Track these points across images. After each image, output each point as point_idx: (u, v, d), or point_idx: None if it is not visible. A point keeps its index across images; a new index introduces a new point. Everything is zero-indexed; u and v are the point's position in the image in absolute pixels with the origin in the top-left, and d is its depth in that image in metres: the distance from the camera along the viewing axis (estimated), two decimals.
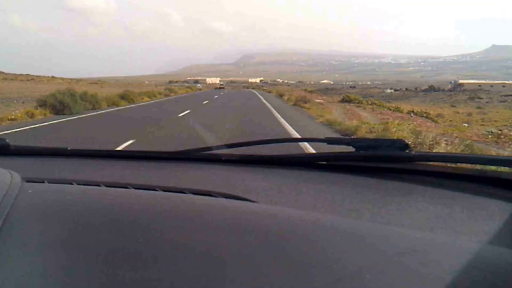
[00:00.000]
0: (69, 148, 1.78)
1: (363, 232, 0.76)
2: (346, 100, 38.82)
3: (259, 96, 46.89)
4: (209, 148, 1.66)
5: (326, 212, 1.00)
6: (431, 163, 1.38)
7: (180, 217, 0.81)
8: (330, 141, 1.52)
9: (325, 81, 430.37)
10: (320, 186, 1.20)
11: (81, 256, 0.64)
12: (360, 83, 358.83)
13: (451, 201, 1.06)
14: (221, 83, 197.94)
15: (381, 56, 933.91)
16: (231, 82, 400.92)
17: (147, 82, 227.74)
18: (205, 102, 30.64)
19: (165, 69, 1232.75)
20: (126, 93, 31.85)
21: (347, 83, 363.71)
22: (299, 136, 10.94)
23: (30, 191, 0.88)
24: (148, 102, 31.82)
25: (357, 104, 35.20)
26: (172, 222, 0.77)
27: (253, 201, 1.03)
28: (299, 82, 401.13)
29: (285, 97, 40.17)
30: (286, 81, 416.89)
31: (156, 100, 35.44)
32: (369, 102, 38.80)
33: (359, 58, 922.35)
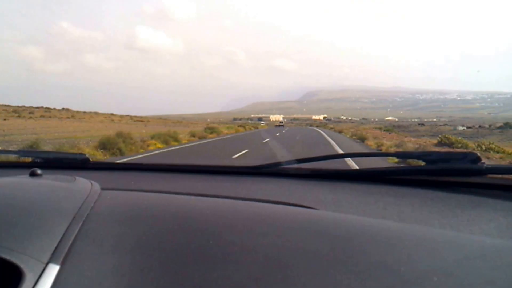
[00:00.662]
0: (143, 163, 1.87)
1: (432, 237, 0.76)
2: (445, 143, 25.63)
3: (329, 139, 30.81)
4: (280, 164, 1.68)
5: (394, 221, 0.97)
6: (503, 176, 1.34)
7: (246, 222, 0.83)
8: (400, 155, 1.59)
9: (389, 118, 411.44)
10: (388, 199, 1.19)
11: (152, 257, 0.67)
12: (426, 120, 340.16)
13: None
14: (281, 121, 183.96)
15: (446, 93, 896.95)
16: (294, 119, 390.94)
17: (208, 120, 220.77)
18: (238, 155, 17.75)
19: (231, 106, 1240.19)
20: (124, 137, 20.75)
21: (413, 120, 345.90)
22: None
23: (108, 197, 0.93)
24: (154, 152, 20.64)
25: (466, 150, 20.68)
26: (239, 227, 0.79)
27: (318, 209, 1.02)
28: (363, 119, 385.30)
29: (370, 142, 25.72)
30: (350, 118, 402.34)
31: (174, 148, 24.09)
32: (483, 147, 24.15)
33: (424, 94, 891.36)
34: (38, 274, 0.59)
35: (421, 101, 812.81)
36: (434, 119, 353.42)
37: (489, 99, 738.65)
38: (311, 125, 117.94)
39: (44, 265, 0.61)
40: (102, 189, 1.00)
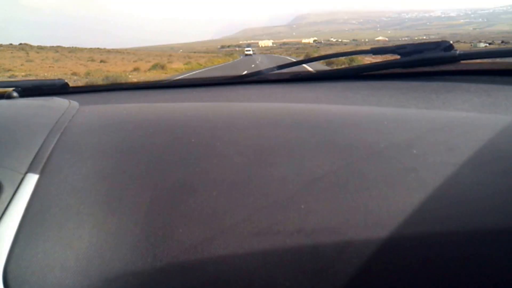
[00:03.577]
0: (124, 83, 1.77)
1: (408, 116, 0.77)
2: None
3: None
4: (261, 72, 1.62)
5: (372, 106, 0.97)
6: (475, 61, 1.33)
7: (228, 119, 0.81)
8: (375, 51, 1.47)
9: (379, 38, 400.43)
10: (366, 91, 1.16)
11: (134, 159, 0.65)
12: (416, 38, 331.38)
13: (496, 92, 1.02)
14: (251, 49, 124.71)
15: (431, 11, 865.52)
16: (284, 44, 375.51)
17: (181, 51, 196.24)
18: None
19: (222, 34, 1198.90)
20: None
21: (403, 38, 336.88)
22: None
23: (87, 111, 0.89)
24: None
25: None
26: (220, 123, 0.77)
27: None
28: (354, 40, 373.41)
29: None
30: (340, 40, 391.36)
31: None
32: None
33: (409, 13, 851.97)
34: (17, 184, 0.58)
35: (407, 20, 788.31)
36: (424, 37, 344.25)
37: (472, 15, 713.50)
38: (305, 52, 75.03)
39: (22, 175, 0.59)
40: (81, 105, 0.95)
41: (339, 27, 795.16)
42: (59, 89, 1.70)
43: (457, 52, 1.24)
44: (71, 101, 0.96)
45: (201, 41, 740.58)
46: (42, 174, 0.61)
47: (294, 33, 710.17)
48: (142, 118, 0.86)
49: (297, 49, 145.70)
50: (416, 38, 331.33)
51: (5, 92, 1.41)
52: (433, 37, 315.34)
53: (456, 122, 0.71)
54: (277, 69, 1.64)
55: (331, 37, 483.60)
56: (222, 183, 0.59)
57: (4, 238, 0.52)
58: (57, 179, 0.61)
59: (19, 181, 0.58)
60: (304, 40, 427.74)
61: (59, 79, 1.72)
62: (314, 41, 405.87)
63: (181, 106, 1.01)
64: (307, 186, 0.57)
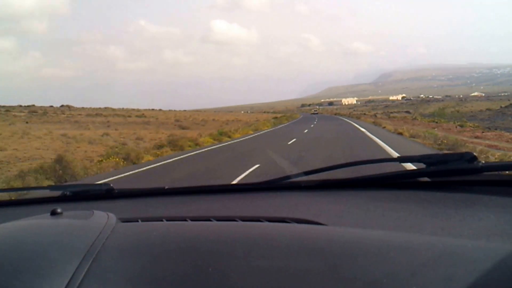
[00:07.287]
0: (165, 187, 1.90)
1: (414, 246, 0.77)
2: None
3: None
4: (288, 177, 1.67)
5: (390, 229, 0.98)
6: (498, 172, 1.36)
7: (253, 245, 0.82)
8: (401, 160, 1.52)
9: (475, 93, 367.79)
10: (388, 204, 1.19)
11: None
12: None
13: None
14: (315, 108, 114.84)
15: None
16: (369, 101, 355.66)
17: (242, 112, 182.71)
18: None
19: (307, 92, 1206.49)
20: None
21: (501, 94, 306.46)
22: None
23: (120, 231, 0.93)
24: None
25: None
26: (240, 251, 0.79)
27: (323, 224, 1.02)
28: (447, 96, 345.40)
29: None
30: (431, 96, 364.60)
31: None
32: None
33: (502, 68, 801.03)
34: None
35: (500, 75, 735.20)
36: None
37: None
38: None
39: None
40: (119, 219, 1.02)
41: (427, 83, 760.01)
42: (105, 193, 1.81)
43: (480, 163, 1.28)
44: (110, 215, 1.02)
45: (284, 100, 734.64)
46: None
47: (379, 91, 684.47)
48: (168, 241, 0.89)
49: (386, 107, 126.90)
50: None
51: (57, 196, 1.51)
52: None
53: (459, 252, 0.71)
54: (305, 175, 1.66)
55: (420, 94, 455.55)
56: None
57: None
58: None
59: None
60: (392, 97, 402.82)
61: (105, 183, 1.83)
62: (403, 97, 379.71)
63: (207, 227, 1.04)
64: None
